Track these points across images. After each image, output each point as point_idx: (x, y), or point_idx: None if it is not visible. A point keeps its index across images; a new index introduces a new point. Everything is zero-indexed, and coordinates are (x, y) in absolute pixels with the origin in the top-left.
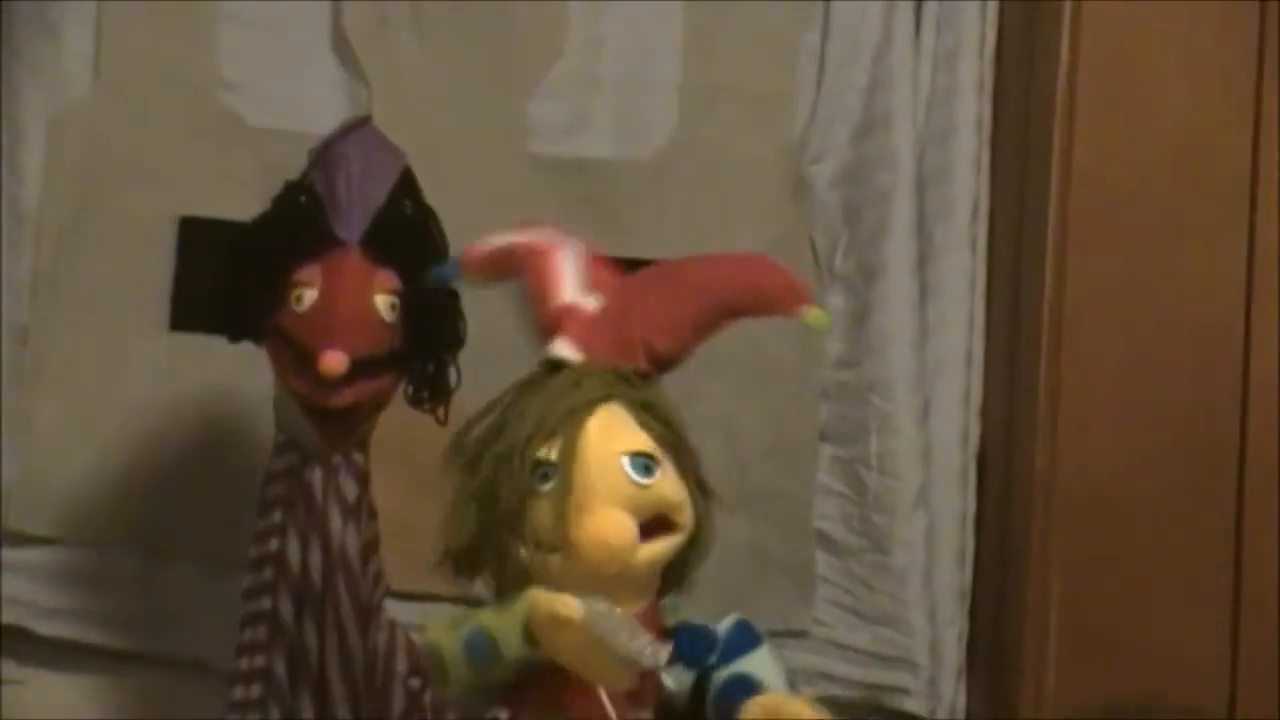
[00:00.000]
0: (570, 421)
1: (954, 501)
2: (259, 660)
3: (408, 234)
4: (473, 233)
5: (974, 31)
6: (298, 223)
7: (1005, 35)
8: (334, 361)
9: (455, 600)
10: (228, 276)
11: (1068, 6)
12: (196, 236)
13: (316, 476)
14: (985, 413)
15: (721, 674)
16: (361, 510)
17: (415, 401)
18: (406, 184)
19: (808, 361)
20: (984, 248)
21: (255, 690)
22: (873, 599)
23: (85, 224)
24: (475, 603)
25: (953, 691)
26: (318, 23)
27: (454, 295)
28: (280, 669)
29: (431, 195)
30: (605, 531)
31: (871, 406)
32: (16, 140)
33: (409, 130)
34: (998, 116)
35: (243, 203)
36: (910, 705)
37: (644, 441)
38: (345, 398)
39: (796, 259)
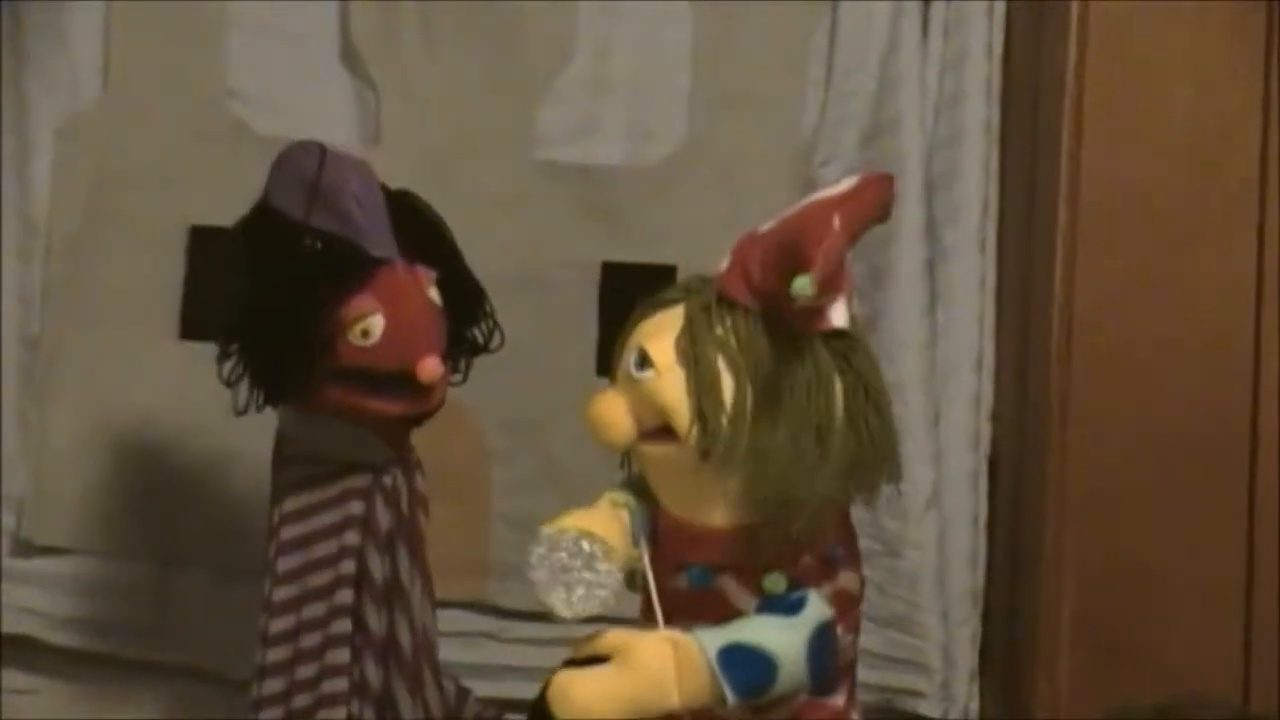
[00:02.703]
0: (638, 314)
1: (966, 504)
2: (341, 684)
3: (410, 221)
4: (482, 239)
5: (982, 35)
6: (328, 267)
7: (1013, 38)
8: (434, 368)
9: (466, 606)
10: (271, 350)
11: (1075, 9)
12: (207, 245)
13: (400, 483)
14: (996, 415)
15: None
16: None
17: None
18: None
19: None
20: (993, 250)
21: (343, 711)
22: (885, 602)
23: (95, 233)
24: (486, 609)
25: (966, 694)
26: (326, 31)
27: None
28: (375, 679)
29: (441, 201)
30: (595, 407)
31: None
32: (26, 150)
33: (418, 137)
34: (1006, 119)
35: None
36: (923, 708)
37: (653, 342)
38: (440, 394)
39: None
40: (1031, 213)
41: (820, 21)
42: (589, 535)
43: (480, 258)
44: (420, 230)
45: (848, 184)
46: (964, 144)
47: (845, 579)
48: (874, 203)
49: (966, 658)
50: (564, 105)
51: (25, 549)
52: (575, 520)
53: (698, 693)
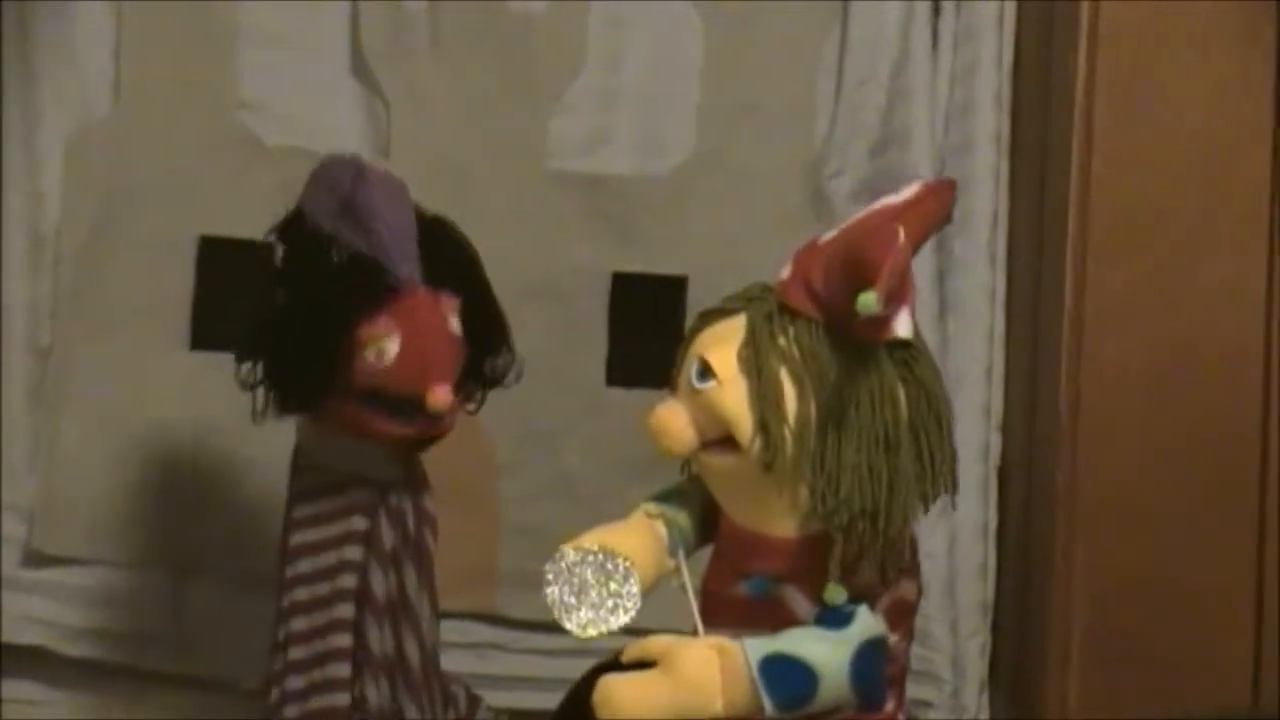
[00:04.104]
0: (697, 322)
1: (975, 514)
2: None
3: (441, 246)
4: (492, 250)
5: (992, 45)
6: (350, 285)
7: (1023, 48)
8: (444, 397)
9: (475, 616)
10: (287, 359)
11: (1085, 19)
12: (217, 256)
13: (405, 502)
14: (1006, 425)
15: None
16: (434, 519)
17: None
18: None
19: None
20: (1003, 260)
21: None
22: None
23: (105, 244)
24: (495, 620)
25: (976, 705)
26: (336, 42)
27: (493, 294)
28: (375, 697)
29: (451, 212)
30: (657, 419)
31: None
32: (36, 161)
33: (428, 148)
34: (1016, 129)
35: (262, 222)
36: (934, 718)
37: (715, 351)
38: (449, 422)
39: None
40: (1041, 223)
41: (830, 33)
42: (611, 554)
43: (490, 268)
44: (450, 256)
45: (909, 192)
46: (974, 154)
47: (905, 588)
48: (936, 210)
49: (976, 668)
50: (574, 116)
51: (36, 559)
52: (599, 537)
53: (739, 701)
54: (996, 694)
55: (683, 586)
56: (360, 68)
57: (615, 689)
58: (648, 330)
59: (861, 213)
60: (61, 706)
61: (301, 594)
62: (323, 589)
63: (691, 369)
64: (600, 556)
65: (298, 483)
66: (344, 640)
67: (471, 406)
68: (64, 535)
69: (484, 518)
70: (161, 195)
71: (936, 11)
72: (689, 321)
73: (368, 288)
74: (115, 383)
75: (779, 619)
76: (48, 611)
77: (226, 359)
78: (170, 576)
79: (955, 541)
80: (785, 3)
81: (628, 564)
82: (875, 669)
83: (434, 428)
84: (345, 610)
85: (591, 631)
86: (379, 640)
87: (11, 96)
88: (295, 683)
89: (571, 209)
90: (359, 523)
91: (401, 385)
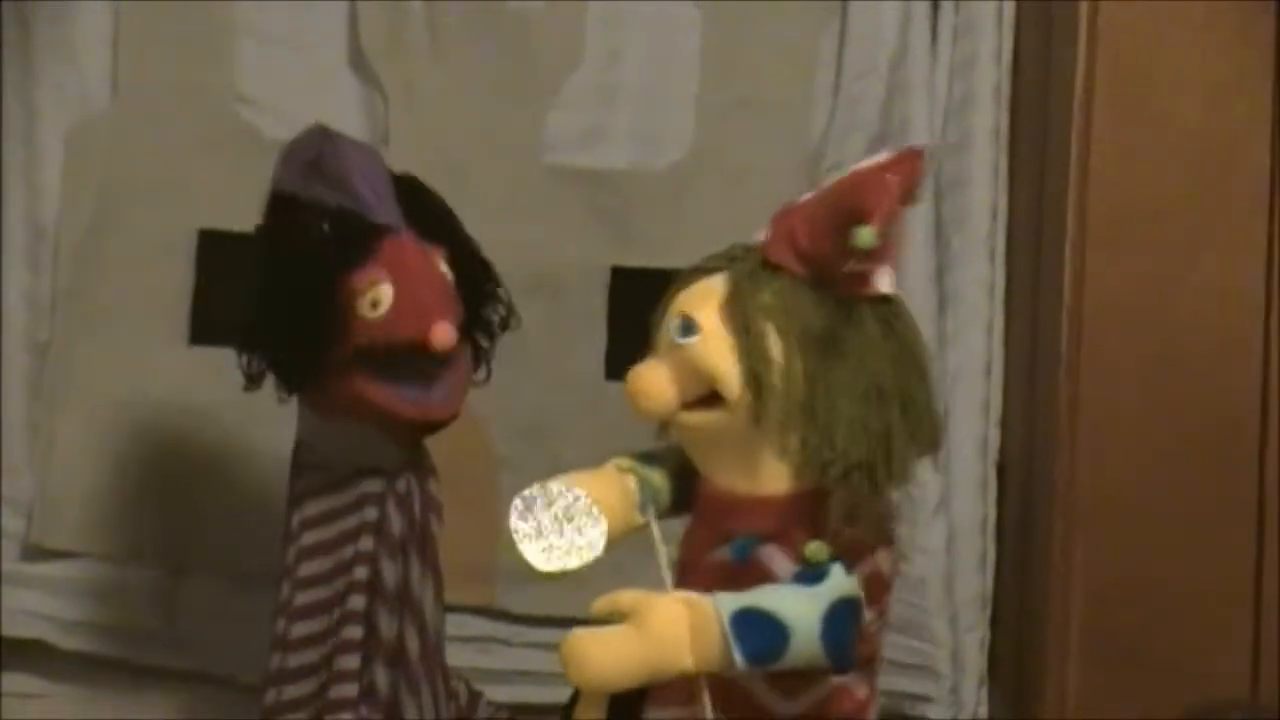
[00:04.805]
0: (677, 283)
1: (974, 509)
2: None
3: (416, 203)
4: (491, 244)
5: (991, 39)
6: (335, 240)
7: (1022, 43)
8: (447, 332)
9: (476, 611)
10: (285, 333)
11: (1084, 14)
12: (215, 250)
13: (413, 488)
14: (1005, 421)
15: None
16: (440, 505)
17: (477, 353)
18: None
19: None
20: (1002, 256)
21: (348, 716)
22: (894, 607)
23: (104, 239)
24: (495, 614)
25: (975, 699)
26: (334, 36)
27: (476, 245)
28: (384, 684)
29: (451, 206)
30: (637, 379)
31: None
32: (35, 156)
33: (426, 142)
34: (1015, 124)
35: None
36: (932, 713)
37: (699, 307)
38: (457, 409)
39: None
40: (1040, 219)
41: (829, 27)
42: (580, 496)
43: (489, 261)
44: (427, 211)
45: (885, 154)
46: (973, 149)
47: (882, 559)
48: (913, 172)
49: (975, 663)
50: (573, 110)
51: (34, 553)
52: (570, 479)
53: (709, 655)
54: (995, 689)
55: (652, 542)
56: (358, 62)
57: (583, 645)
58: (646, 325)
59: (838, 176)
60: (59, 700)
61: (316, 593)
62: (337, 585)
63: (673, 326)
64: (570, 496)
65: (302, 481)
66: (356, 632)
67: (481, 374)
68: (62, 530)
69: (484, 512)
70: (160, 190)
71: (935, 6)
72: None
73: (352, 240)
74: (114, 377)
75: (760, 582)
76: (46, 605)
77: (225, 353)
78: (168, 571)
79: (954, 537)
80: None
81: (595, 507)
82: (847, 628)
83: (439, 403)
84: (358, 602)
85: (553, 566)
86: (387, 629)
87: (11, 92)
88: (304, 688)
89: (570, 203)
90: (370, 513)
91: (402, 330)
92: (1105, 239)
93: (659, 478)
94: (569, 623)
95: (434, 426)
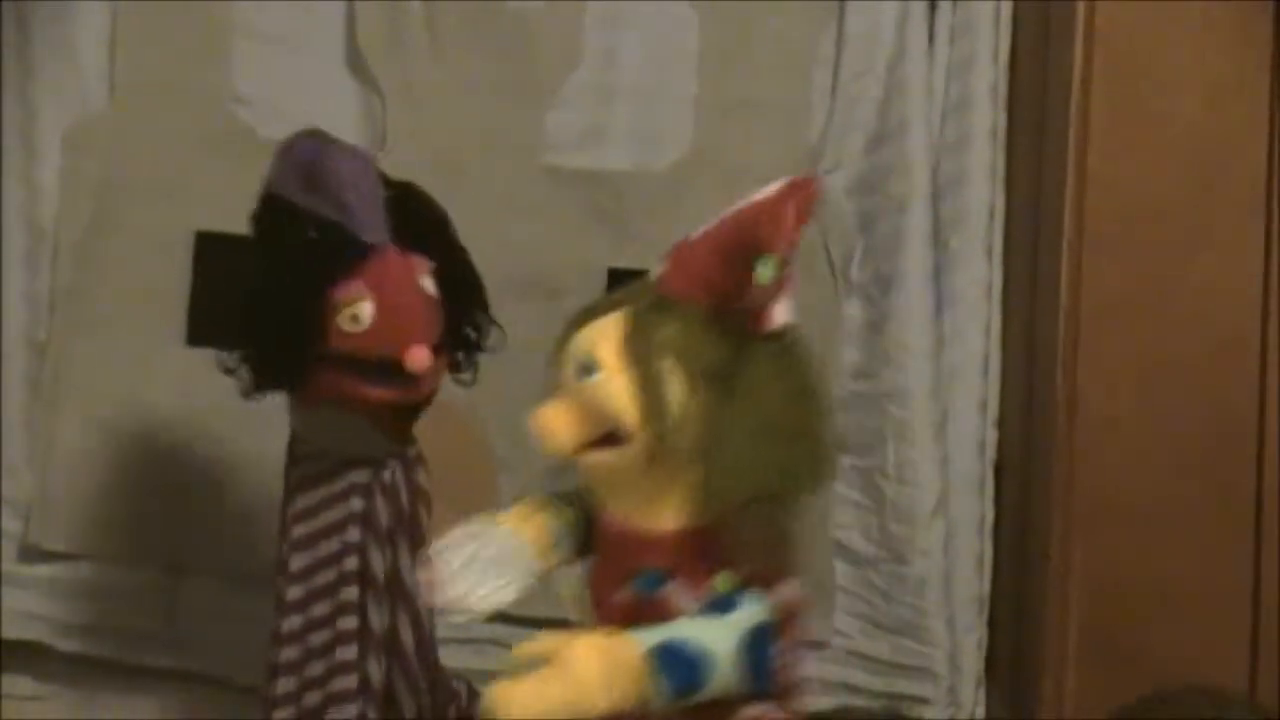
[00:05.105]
0: (574, 322)
1: (972, 510)
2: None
3: (411, 211)
4: (489, 244)
5: (988, 40)
6: (320, 251)
7: (1019, 43)
8: (422, 357)
9: None
10: (265, 331)
11: (1081, 14)
12: (212, 250)
13: (399, 478)
14: (1002, 421)
15: None
16: (428, 495)
17: (455, 366)
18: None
19: (825, 371)
20: (1000, 256)
21: (352, 709)
22: (891, 608)
23: (102, 239)
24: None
25: (972, 700)
26: (332, 36)
27: (468, 258)
28: (377, 676)
29: (447, 206)
30: (540, 420)
31: (888, 416)
32: (33, 156)
33: (424, 142)
34: (1012, 125)
35: None
36: (930, 714)
37: (598, 345)
38: (429, 384)
39: (812, 268)
40: (1038, 218)
41: (826, 27)
42: (494, 536)
43: (487, 262)
44: (420, 221)
45: (779, 184)
46: (970, 149)
47: (790, 590)
48: (809, 202)
49: (972, 664)
50: (571, 111)
51: (32, 554)
52: (484, 521)
53: (632, 692)
54: (993, 689)
55: (567, 583)
56: (356, 63)
57: (508, 694)
58: None
59: (737, 204)
60: (57, 701)
61: (303, 588)
62: (326, 577)
63: (574, 366)
64: (486, 539)
65: (294, 474)
66: (351, 623)
67: (466, 376)
68: (60, 530)
69: (483, 514)
70: (158, 190)
71: (933, 6)
72: None
73: (338, 254)
74: (113, 378)
75: (666, 618)
76: (44, 607)
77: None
78: (165, 572)
79: (952, 537)
80: None
81: (512, 549)
82: (766, 652)
83: (415, 390)
84: (350, 593)
85: (472, 609)
86: (378, 620)
87: (9, 91)
88: (291, 683)
89: (567, 204)
90: (356, 504)
91: (379, 348)
92: (1102, 239)
93: (571, 517)
94: (567, 626)
95: (413, 409)
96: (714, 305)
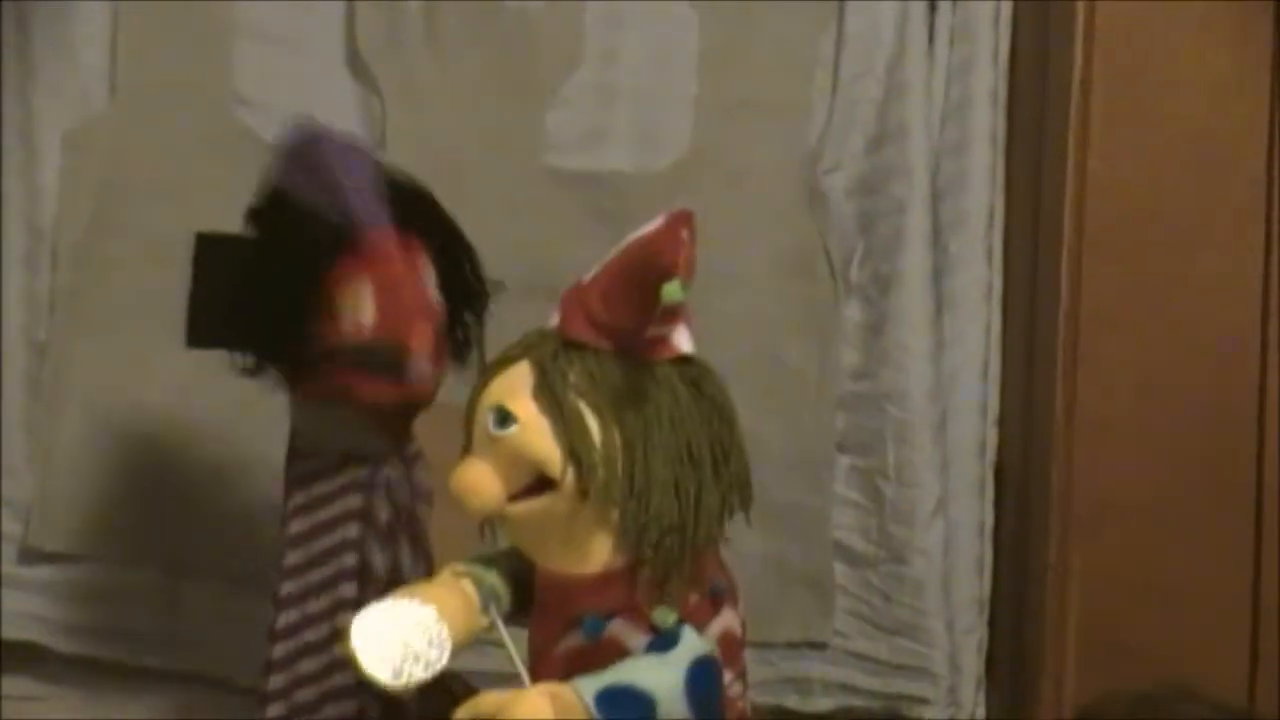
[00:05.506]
0: (481, 377)
1: (971, 511)
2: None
3: (413, 201)
4: (489, 245)
5: (988, 41)
6: (324, 244)
7: (1019, 45)
8: (426, 337)
9: None
10: (267, 321)
11: (1081, 16)
12: (212, 250)
13: (399, 475)
14: (1002, 422)
15: None
16: (429, 492)
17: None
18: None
19: (824, 373)
20: (999, 258)
21: (348, 705)
22: (891, 610)
23: (103, 240)
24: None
25: (972, 701)
26: (332, 37)
27: (471, 248)
28: None
29: (447, 207)
30: (462, 478)
31: (888, 417)
32: (33, 157)
33: (424, 143)
34: (1012, 127)
35: None
36: (930, 715)
37: (510, 398)
38: (429, 377)
39: (812, 270)
40: (1037, 220)
41: (827, 28)
42: (420, 608)
43: (487, 264)
44: (416, 208)
45: (654, 225)
46: (970, 151)
47: (729, 617)
48: (694, 228)
49: (972, 665)
50: (571, 111)
51: (32, 555)
52: (407, 593)
53: None
54: (992, 691)
55: (500, 641)
56: (356, 64)
57: None
58: None
59: (625, 242)
60: (57, 703)
61: (299, 584)
62: (324, 573)
63: (488, 420)
64: (410, 609)
65: (293, 469)
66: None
67: (471, 360)
68: (60, 532)
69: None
70: (159, 192)
71: (933, 8)
72: None
73: (337, 243)
74: (113, 379)
75: (618, 657)
76: (44, 608)
77: (224, 356)
78: (166, 573)
79: (951, 539)
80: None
81: (437, 617)
82: (710, 686)
83: (421, 386)
84: (349, 589)
85: (400, 681)
86: None
87: (9, 91)
88: (280, 680)
89: (568, 205)
90: (355, 501)
91: (383, 334)
92: (1102, 240)
93: (495, 578)
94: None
95: (412, 407)
96: (616, 342)
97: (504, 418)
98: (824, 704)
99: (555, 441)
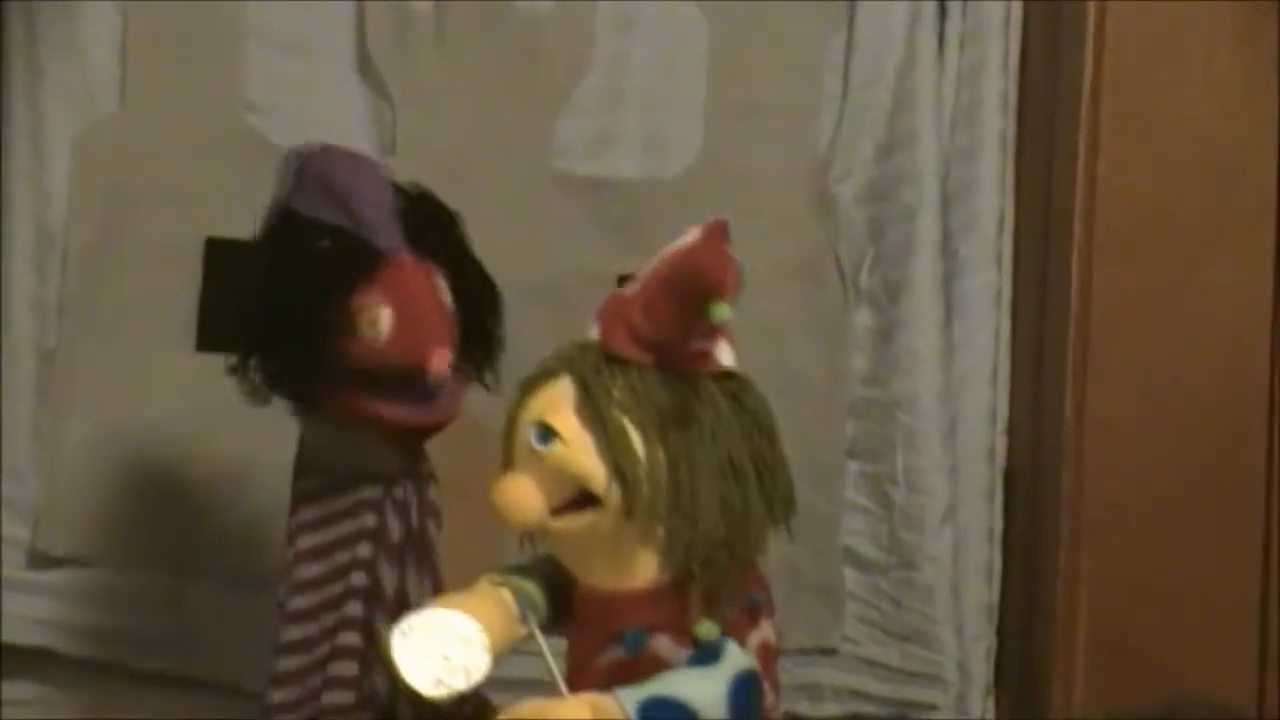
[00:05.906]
0: (520, 391)
1: (981, 517)
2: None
3: (428, 218)
4: (497, 251)
5: (998, 47)
6: (335, 262)
7: (1029, 51)
8: (444, 360)
9: None
10: (281, 346)
11: (1091, 21)
12: (221, 256)
13: (410, 495)
14: (1011, 428)
15: None
16: (438, 511)
17: (476, 373)
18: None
19: (834, 378)
20: (1009, 264)
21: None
22: (900, 615)
23: (111, 245)
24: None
25: (981, 707)
26: (342, 43)
27: (483, 269)
28: (384, 690)
29: (455, 209)
30: (504, 492)
31: (898, 423)
32: (42, 161)
33: (434, 149)
34: (1022, 132)
35: None
36: None
37: (552, 413)
38: (455, 410)
39: (822, 276)
40: (1047, 226)
41: (836, 34)
42: (459, 618)
43: (494, 269)
44: (431, 226)
45: (697, 231)
46: (980, 157)
47: (767, 628)
48: (729, 239)
49: (982, 671)
50: (581, 117)
51: (39, 560)
52: (446, 603)
53: None
54: (1002, 697)
55: (539, 649)
56: (366, 68)
57: None
58: None
59: (670, 249)
60: (62, 707)
61: (311, 598)
62: (332, 590)
63: (530, 435)
64: (450, 619)
65: (301, 485)
66: (353, 639)
67: (489, 379)
68: (67, 536)
69: (490, 522)
70: (168, 197)
71: (943, 13)
72: None
73: (352, 263)
74: (120, 384)
75: (656, 672)
76: (50, 612)
77: (230, 361)
78: (172, 578)
79: (960, 545)
80: (791, 4)
81: (476, 627)
82: (751, 700)
83: (438, 410)
84: (355, 608)
85: (440, 691)
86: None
87: (17, 95)
88: (291, 693)
89: (576, 210)
90: (369, 520)
91: (400, 356)
92: (1112, 245)
93: (532, 588)
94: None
95: (432, 429)
96: (659, 356)
97: (546, 433)
98: (834, 710)
99: (599, 458)
